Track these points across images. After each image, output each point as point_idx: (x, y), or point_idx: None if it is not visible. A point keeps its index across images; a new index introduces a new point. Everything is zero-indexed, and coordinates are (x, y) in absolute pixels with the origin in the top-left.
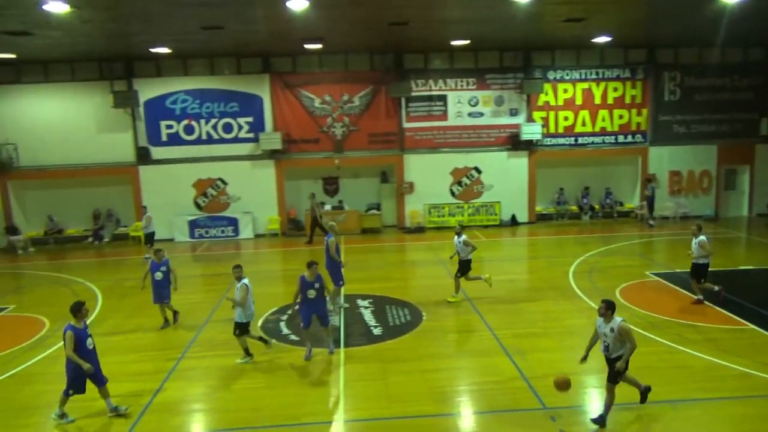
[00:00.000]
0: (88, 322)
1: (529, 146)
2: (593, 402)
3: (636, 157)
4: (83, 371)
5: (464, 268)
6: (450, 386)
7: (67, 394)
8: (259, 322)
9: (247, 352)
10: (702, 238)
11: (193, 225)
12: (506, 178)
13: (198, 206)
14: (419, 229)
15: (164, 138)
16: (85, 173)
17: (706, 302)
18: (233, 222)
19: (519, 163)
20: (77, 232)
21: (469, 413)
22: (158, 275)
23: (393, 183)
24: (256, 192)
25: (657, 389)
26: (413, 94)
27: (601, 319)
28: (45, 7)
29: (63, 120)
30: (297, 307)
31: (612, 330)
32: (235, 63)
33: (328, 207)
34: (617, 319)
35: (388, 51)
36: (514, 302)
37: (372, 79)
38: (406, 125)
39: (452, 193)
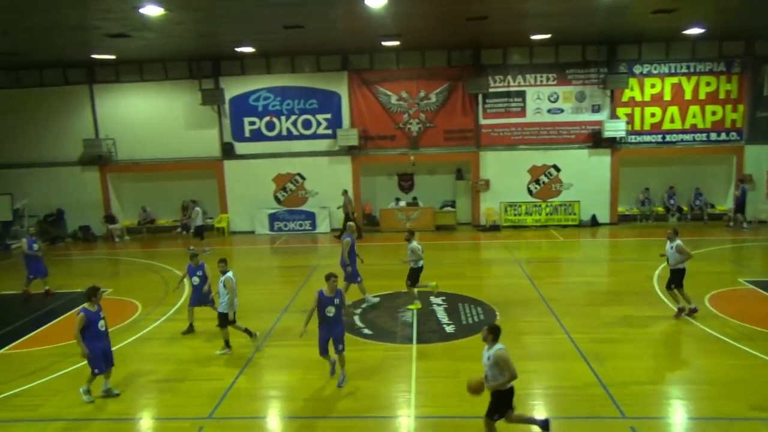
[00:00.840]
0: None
1: (612, 144)
2: (677, 414)
3: (730, 156)
4: (100, 349)
5: (414, 275)
6: (523, 389)
7: (94, 374)
8: None
9: (227, 344)
10: (678, 242)
11: (272, 218)
12: (587, 176)
13: (277, 200)
14: (494, 228)
15: (247, 134)
16: (174, 167)
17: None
18: (311, 216)
19: (601, 162)
20: (167, 223)
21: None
22: (195, 280)
23: (468, 180)
24: (332, 187)
25: (751, 405)
26: (491, 90)
27: (486, 346)
28: (142, 10)
29: (156, 117)
30: (304, 328)
31: (489, 358)
32: (314, 61)
33: (402, 203)
34: (496, 346)
35: (466, 47)
36: (593, 305)
37: (449, 75)
38: (483, 122)
39: (529, 192)
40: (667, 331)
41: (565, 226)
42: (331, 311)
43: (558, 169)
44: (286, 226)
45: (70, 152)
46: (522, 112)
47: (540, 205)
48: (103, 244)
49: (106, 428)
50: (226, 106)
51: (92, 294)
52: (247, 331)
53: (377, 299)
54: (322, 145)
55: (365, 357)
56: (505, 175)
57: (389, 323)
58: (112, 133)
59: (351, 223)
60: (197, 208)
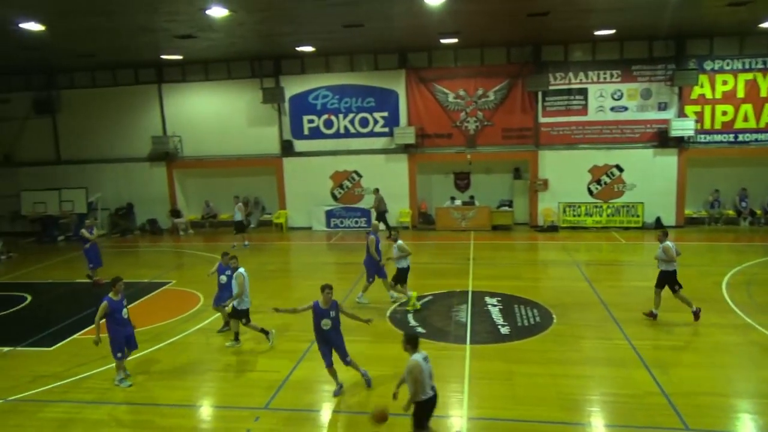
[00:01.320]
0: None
1: (680, 143)
2: (745, 428)
3: None
4: (122, 336)
5: (400, 276)
6: (580, 394)
7: (117, 358)
8: (387, 313)
9: (264, 331)
10: (666, 243)
11: (329, 215)
12: (651, 177)
13: (334, 197)
14: (552, 228)
15: (306, 132)
16: (236, 164)
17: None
18: (366, 213)
19: (666, 162)
20: (228, 217)
21: (600, 425)
22: (222, 278)
23: (526, 179)
24: (388, 185)
25: None
26: (551, 87)
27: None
28: (208, 12)
29: (219, 115)
30: (279, 310)
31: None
32: (372, 59)
33: (458, 202)
34: (413, 356)
35: (526, 43)
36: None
37: (508, 72)
38: (543, 120)
39: (590, 192)
40: (735, 340)
41: (627, 229)
42: (327, 324)
43: (621, 169)
44: (342, 222)
45: (139, 149)
46: (583, 110)
47: (601, 206)
48: (168, 237)
49: (170, 413)
50: (286, 104)
51: (114, 284)
52: (262, 330)
53: (366, 301)
54: (379, 143)
55: None
56: (565, 174)
57: (442, 322)
58: (178, 131)
59: (376, 222)
60: (240, 204)
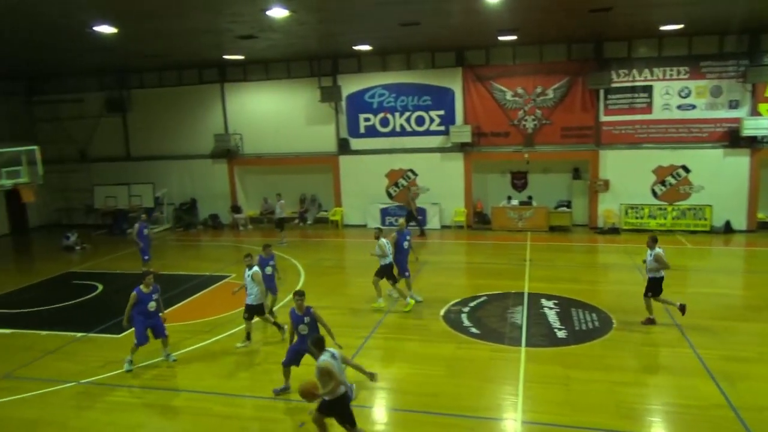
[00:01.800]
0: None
1: (752, 143)
2: None
3: None
4: (144, 326)
5: (382, 271)
6: (640, 403)
7: (135, 344)
8: (441, 312)
9: (248, 337)
10: (658, 251)
11: (384, 213)
12: (720, 178)
13: (389, 195)
14: (613, 230)
15: (362, 130)
16: (294, 161)
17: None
18: (421, 212)
19: (738, 163)
20: (286, 214)
21: None
22: (268, 269)
23: (586, 180)
24: (444, 184)
25: None
26: (613, 85)
27: None
28: (269, 12)
29: (278, 113)
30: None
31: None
32: (429, 57)
33: (515, 202)
34: (321, 357)
35: (588, 40)
36: (725, 320)
37: (568, 70)
38: (604, 118)
39: (654, 194)
40: None
41: (693, 232)
42: (303, 330)
43: (687, 170)
44: (396, 221)
45: (202, 146)
46: (648, 109)
47: (665, 209)
48: (229, 231)
49: (227, 401)
50: (343, 102)
51: (143, 278)
52: (276, 324)
53: (391, 297)
54: (435, 141)
55: (472, 356)
56: (627, 175)
57: (497, 323)
58: (239, 129)
59: (401, 220)
60: (282, 201)
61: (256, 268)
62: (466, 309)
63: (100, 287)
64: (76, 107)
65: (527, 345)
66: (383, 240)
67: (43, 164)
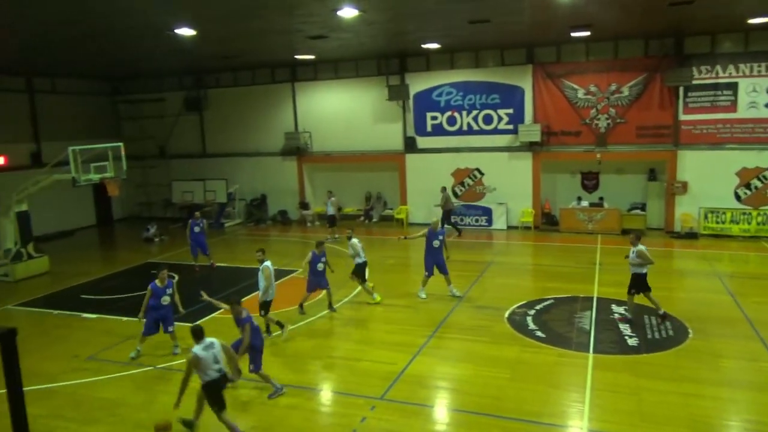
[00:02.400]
0: None
1: None
2: None
3: None
4: (153, 318)
5: (357, 271)
6: (716, 417)
7: (143, 334)
8: (506, 314)
9: (280, 324)
10: (641, 247)
11: (449, 211)
12: None
13: (455, 194)
14: (691, 235)
15: (429, 129)
16: (361, 159)
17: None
18: (487, 212)
19: None
20: (352, 211)
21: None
22: (320, 266)
23: (662, 181)
24: (511, 184)
25: None
26: (694, 82)
27: None
28: (339, 12)
29: (346, 111)
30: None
31: None
32: (498, 55)
33: (585, 203)
34: (192, 349)
35: (667, 35)
36: None
37: (645, 66)
38: (683, 117)
39: (737, 197)
40: None
41: None
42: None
43: None
44: (462, 220)
45: (273, 144)
46: (732, 107)
47: (750, 213)
48: (297, 227)
49: (292, 393)
50: (410, 101)
51: (159, 273)
52: (278, 323)
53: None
54: (503, 140)
55: (537, 360)
56: (708, 177)
57: (564, 328)
58: (308, 127)
59: (435, 220)
60: (333, 198)
61: (267, 263)
62: (532, 312)
63: (176, 278)
64: (157, 106)
65: (595, 351)
66: (354, 240)
67: (126, 160)
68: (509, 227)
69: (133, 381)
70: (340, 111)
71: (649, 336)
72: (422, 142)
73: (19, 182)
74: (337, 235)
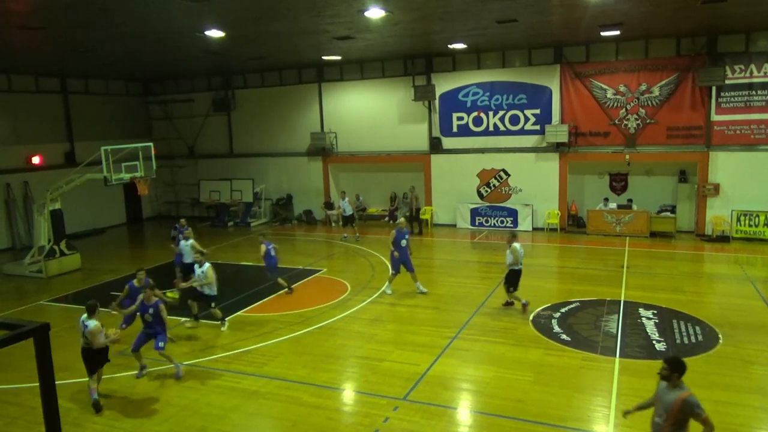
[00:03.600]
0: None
1: None
2: None
3: None
4: (132, 316)
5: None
6: (748, 426)
7: (121, 328)
8: (530, 316)
9: (196, 318)
10: (515, 245)
11: (474, 213)
12: None
13: (480, 195)
14: (723, 239)
15: (454, 129)
16: (386, 159)
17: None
18: (513, 213)
19: None
20: (376, 211)
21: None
22: (403, 242)
23: (693, 183)
24: (537, 185)
25: None
26: (728, 82)
27: None
28: (366, 13)
29: (372, 112)
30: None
31: None
32: (525, 55)
33: (612, 205)
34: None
35: (699, 33)
36: None
37: (677, 66)
38: (716, 118)
39: None
40: None
41: None
42: (149, 317)
43: None
44: (487, 221)
45: (299, 144)
46: (767, 107)
47: None
48: (321, 227)
49: (316, 392)
50: (436, 101)
51: (137, 273)
52: (222, 319)
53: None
54: (529, 141)
55: (561, 363)
56: (741, 179)
57: (590, 331)
58: (334, 127)
59: (402, 219)
60: (348, 198)
61: (209, 265)
62: (557, 314)
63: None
64: (186, 107)
65: (622, 356)
66: (516, 245)
67: (156, 160)
68: (535, 229)
69: (161, 377)
70: (366, 111)
71: (678, 341)
72: (448, 142)
73: (53, 181)
74: (345, 235)
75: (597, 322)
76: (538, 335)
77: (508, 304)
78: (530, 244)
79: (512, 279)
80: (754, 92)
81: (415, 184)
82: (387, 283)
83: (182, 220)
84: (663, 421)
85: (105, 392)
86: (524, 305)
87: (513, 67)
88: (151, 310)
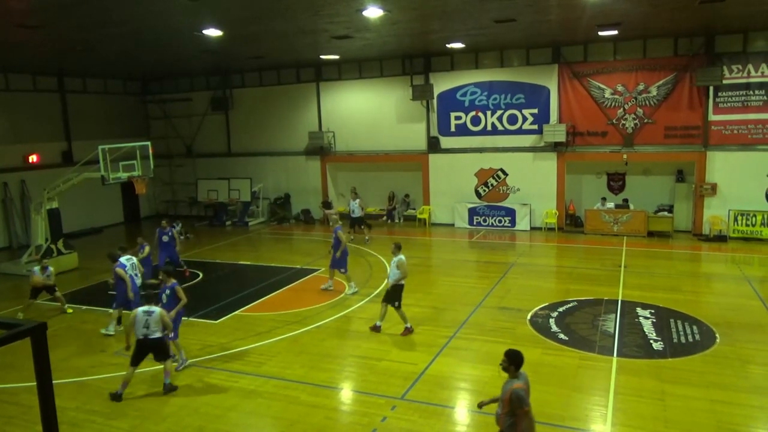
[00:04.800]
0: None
1: None
2: None
3: None
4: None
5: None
6: (744, 425)
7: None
8: (528, 316)
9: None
10: (401, 257)
11: (472, 212)
12: None
13: (478, 195)
14: (720, 238)
15: (452, 128)
16: (384, 159)
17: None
18: (510, 213)
19: None
20: (374, 211)
21: None
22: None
23: (691, 183)
24: (535, 184)
25: None
26: (725, 81)
27: None
28: (364, 12)
29: (370, 111)
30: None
31: None
32: (524, 54)
33: (610, 205)
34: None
35: (697, 33)
36: None
37: (674, 65)
38: (713, 117)
39: None
40: None
41: None
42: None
43: None
44: (485, 221)
45: (297, 143)
46: (765, 107)
47: None
48: (320, 226)
49: (314, 392)
50: (434, 101)
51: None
52: (63, 310)
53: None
54: (527, 140)
55: (559, 363)
56: (738, 178)
57: (587, 330)
58: (332, 127)
59: (335, 216)
60: (359, 199)
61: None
62: (555, 314)
63: (201, 275)
64: (184, 106)
65: (619, 355)
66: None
67: (154, 159)
68: (532, 228)
69: (159, 376)
70: (364, 111)
71: (675, 340)
72: (446, 142)
73: (51, 180)
74: (367, 238)
75: (594, 322)
76: (535, 334)
77: (376, 328)
78: (528, 244)
79: (397, 295)
80: (751, 92)
81: (413, 183)
82: (348, 282)
83: (163, 222)
84: (501, 410)
85: (103, 392)
86: (407, 329)
87: (511, 66)
88: (168, 292)
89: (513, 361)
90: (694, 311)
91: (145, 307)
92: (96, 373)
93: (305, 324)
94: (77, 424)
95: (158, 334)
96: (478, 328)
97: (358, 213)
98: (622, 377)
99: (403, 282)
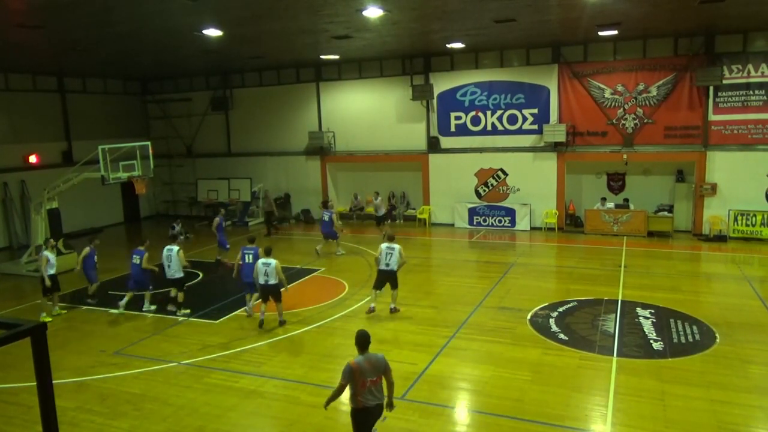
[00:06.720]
0: None
1: None
2: None
3: None
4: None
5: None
6: (745, 425)
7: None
8: (528, 316)
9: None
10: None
11: (472, 212)
12: None
13: (478, 195)
14: (720, 238)
15: (452, 128)
16: (384, 159)
17: None
18: (510, 213)
19: None
20: (372, 210)
21: None
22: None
23: (691, 183)
24: (535, 184)
25: None
26: (725, 81)
27: None
28: (364, 12)
29: (370, 111)
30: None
31: None
32: (524, 54)
33: (610, 205)
34: None
35: (697, 33)
36: None
37: (674, 65)
38: (713, 117)
39: None
40: None
41: None
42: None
43: None
44: (485, 221)
45: (297, 143)
46: (765, 107)
47: None
48: (319, 226)
49: (314, 391)
50: (434, 101)
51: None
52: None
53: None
54: (527, 140)
55: (559, 363)
56: (738, 178)
57: (587, 330)
58: (332, 127)
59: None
60: (380, 198)
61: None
62: (555, 314)
63: (201, 275)
64: (184, 106)
65: (619, 355)
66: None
67: (154, 159)
68: (532, 228)
69: (160, 376)
70: (364, 111)
71: (675, 340)
72: (446, 142)
73: (51, 180)
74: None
75: (594, 322)
76: (535, 334)
77: (371, 310)
78: (528, 244)
79: (396, 280)
80: (751, 92)
81: (413, 183)
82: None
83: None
84: None
85: (103, 392)
86: (395, 309)
87: (511, 66)
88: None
89: (356, 340)
90: (694, 311)
91: (264, 259)
92: (96, 373)
93: (306, 324)
94: (77, 424)
95: (274, 281)
96: (478, 328)
97: (382, 211)
98: (622, 377)
99: (390, 268)
